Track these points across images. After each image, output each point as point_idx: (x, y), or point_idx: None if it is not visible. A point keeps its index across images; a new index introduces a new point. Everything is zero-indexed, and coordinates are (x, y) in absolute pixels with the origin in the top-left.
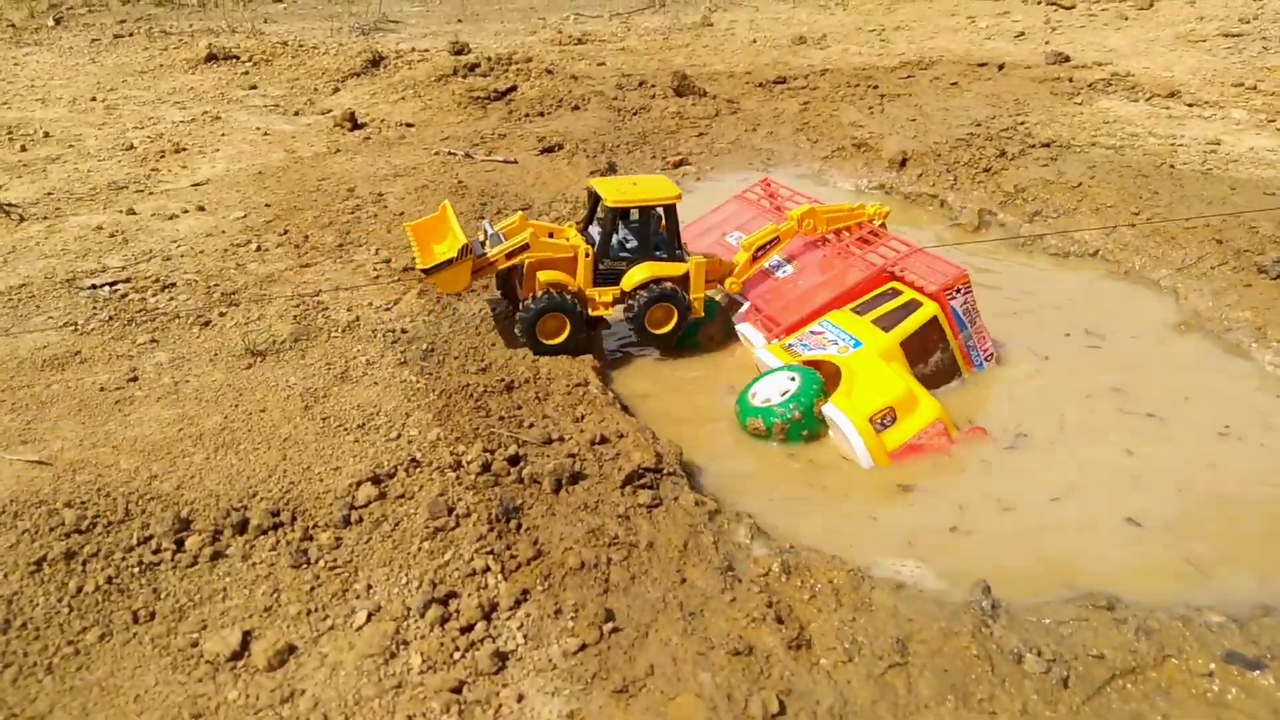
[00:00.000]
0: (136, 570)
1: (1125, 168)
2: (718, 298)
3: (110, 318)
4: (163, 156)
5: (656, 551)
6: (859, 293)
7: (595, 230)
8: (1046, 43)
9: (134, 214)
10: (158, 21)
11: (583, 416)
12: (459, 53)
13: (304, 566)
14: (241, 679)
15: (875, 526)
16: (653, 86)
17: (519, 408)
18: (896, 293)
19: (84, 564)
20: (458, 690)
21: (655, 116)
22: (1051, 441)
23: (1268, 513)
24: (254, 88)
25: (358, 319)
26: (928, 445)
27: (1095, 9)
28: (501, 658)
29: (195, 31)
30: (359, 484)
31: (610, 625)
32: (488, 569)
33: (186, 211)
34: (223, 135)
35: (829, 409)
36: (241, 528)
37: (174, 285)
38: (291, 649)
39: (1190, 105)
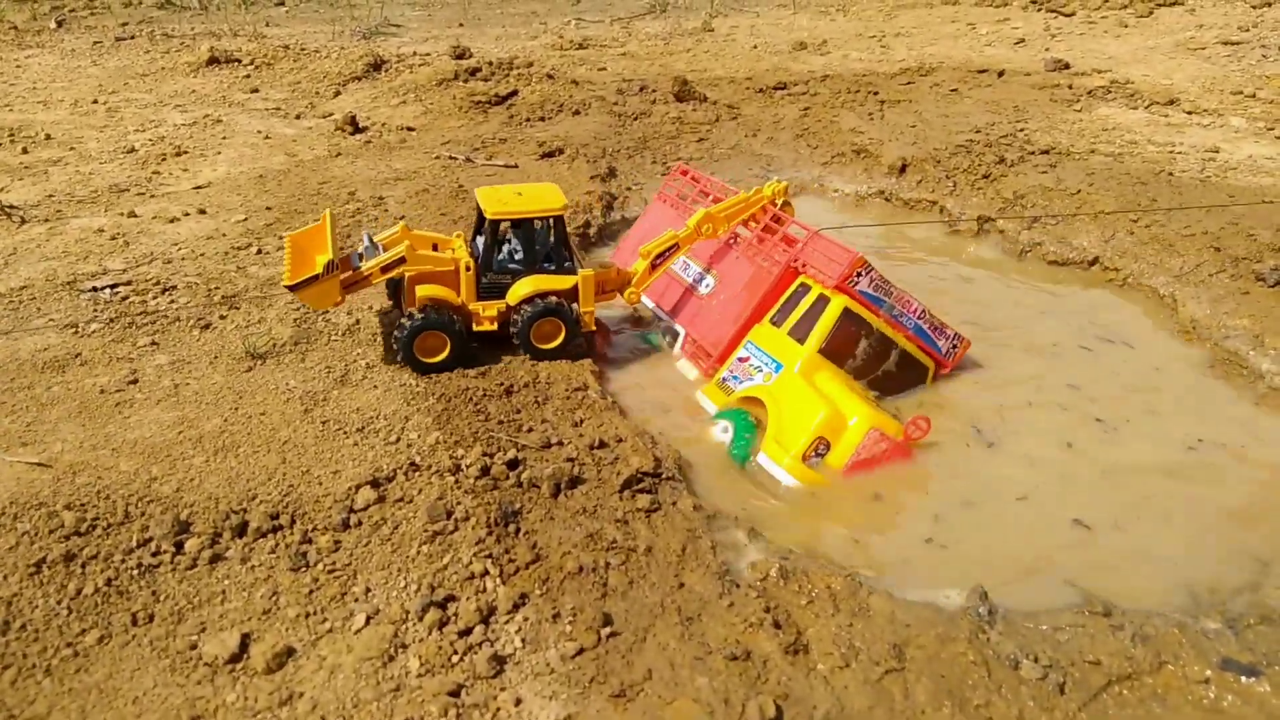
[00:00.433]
0: (136, 572)
1: (1124, 175)
2: (654, 334)
3: (111, 320)
4: (164, 159)
5: (655, 556)
6: (774, 296)
7: (482, 242)
8: (1046, 50)
9: (135, 217)
10: (159, 24)
11: (582, 421)
12: (460, 57)
13: (303, 569)
14: (240, 681)
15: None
16: (653, 92)
17: (518, 412)
18: (806, 289)
19: (83, 566)
20: (456, 693)
21: (656, 121)
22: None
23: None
24: (255, 91)
25: (358, 322)
26: (875, 458)
27: (1095, 16)
28: (499, 661)
29: (197, 35)
30: (358, 487)
31: (608, 629)
32: (486, 573)
33: (187, 214)
34: (224, 138)
35: (762, 459)
36: (241, 530)
37: (174, 288)
38: (290, 651)
39: (1189, 113)
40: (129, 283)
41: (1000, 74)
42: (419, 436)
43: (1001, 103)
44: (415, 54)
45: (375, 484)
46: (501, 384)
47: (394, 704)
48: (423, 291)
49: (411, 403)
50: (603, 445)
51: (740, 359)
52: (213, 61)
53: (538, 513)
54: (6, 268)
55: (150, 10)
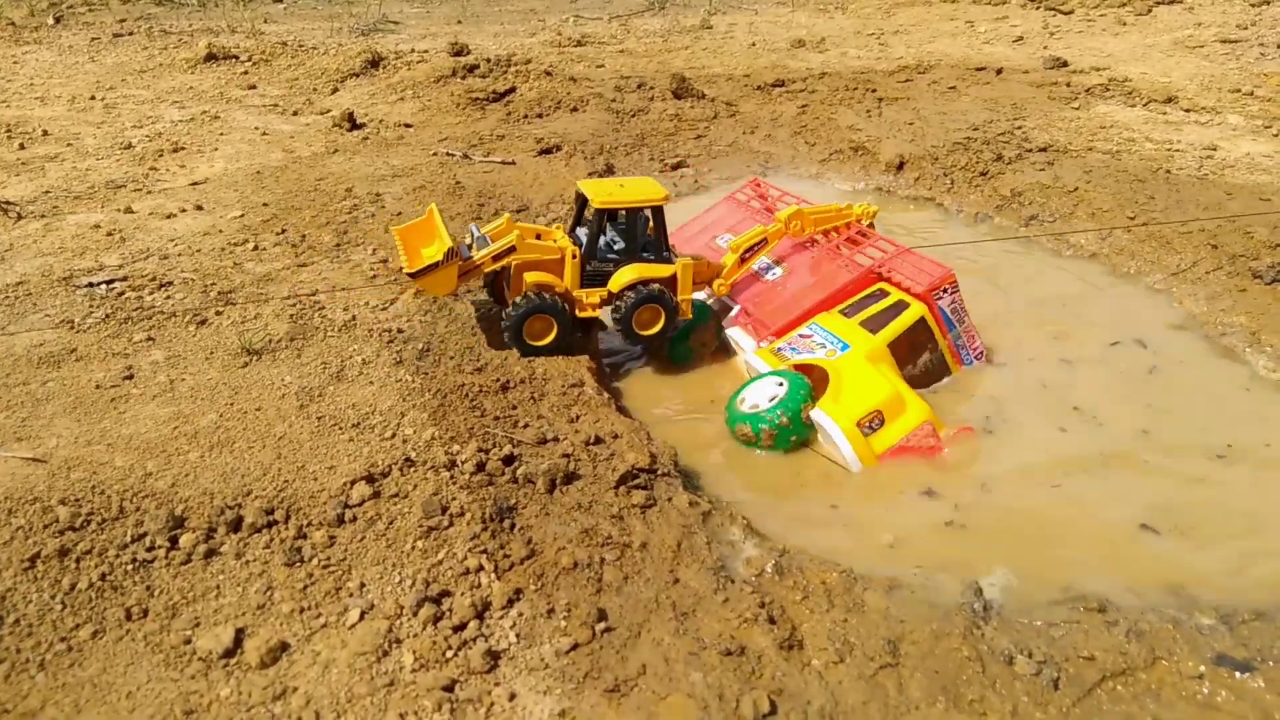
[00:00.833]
0: (130, 568)
1: (1122, 172)
2: (709, 301)
3: (107, 316)
4: (161, 156)
5: (650, 552)
6: (847, 294)
7: (583, 232)
8: (1044, 47)
9: (132, 213)
10: (157, 21)
11: (578, 417)
12: (458, 54)
13: (297, 565)
14: (234, 676)
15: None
16: (651, 89)
17: (514, 408)
18: (884, 294)
19: (78, 561)
20: (450, 689)
21: (654, 119)
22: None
23: None
24: (253, 87)
25: (354, 318)
26: (916, 447)
27: (1093, 14)
28: (494, 656)
29: (195, 31)
30: (353, 483)
31: (603, 625)
32: (481, 568)
33: (184, 210)
34: (221, 135)
35: (816, 414)
36: (235, 526)
37: (171, 284)
38: (284, 647)
39: (1187, 111)
40: (125, 279)
41: (998, 72)
42: (414, 432)
43: (999, 100)
44: (413, 51)
45: (370, 479)
46: (498, 380)
47: (388, 699)
48: (530, 278)
49: (407, 399)
50: (599, 441)
51: (802, 335)
52: (210, 58)
53: (533, 508)
54: (2, 263)
55: (148, 7)
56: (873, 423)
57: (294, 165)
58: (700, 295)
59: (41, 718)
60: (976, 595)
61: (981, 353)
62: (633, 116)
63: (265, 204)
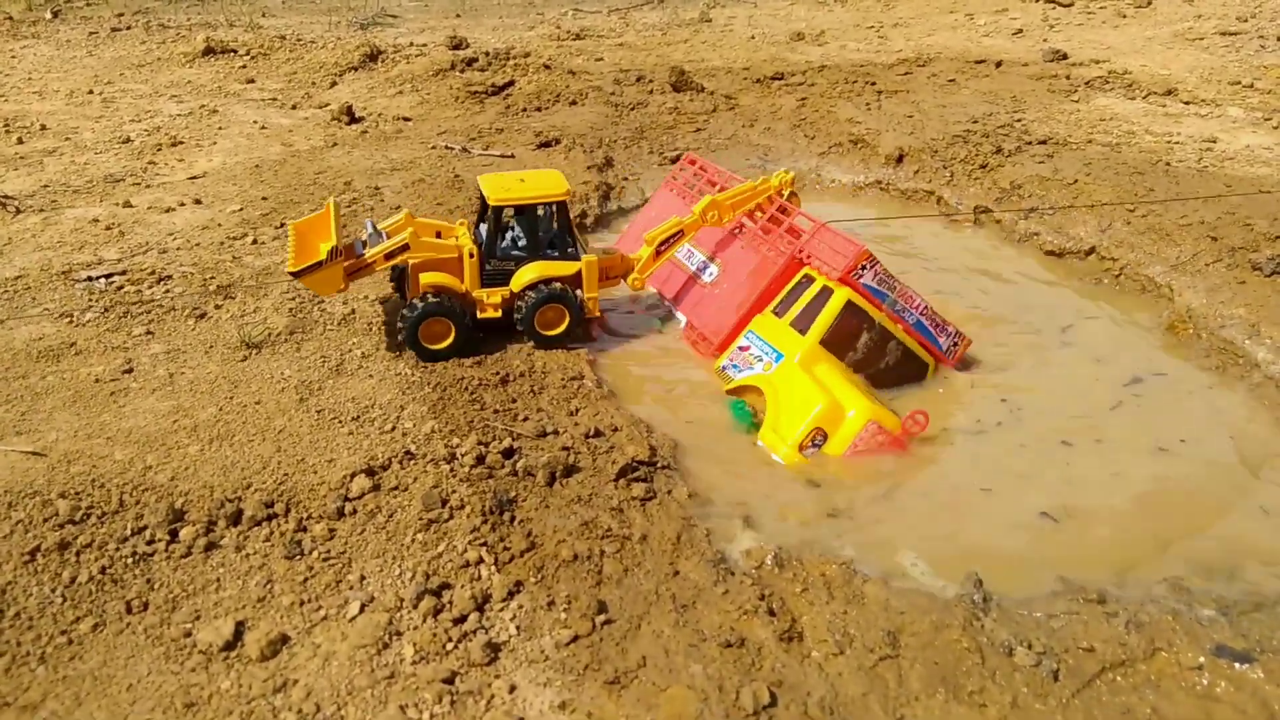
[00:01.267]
0: (130, 561)
1: (1121, 165)
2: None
3: (106, 310)
4: (159, 150)
5: (649, 544)
6: (778, 287)
7: (485, 229)
8: (1044, 40)
9: (130, 207)
10: (155, 15)
11: (577, 410)
12: (457, 47)
13: (298, 557)
14: (234, 669)
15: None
16: (650, 82)
17: (514, 401)
18: (810, 280)
19: (78, 554)
20: (450, 680)
21: (653, 112)
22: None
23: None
24: (251, 82)
25: (353, 312)
26: (869, 449)
27: (1093, 7)
28: (494, 649)
29: (193, 25)
30: (353, 476)
31: (603, 617)
32: (481, 561)
33: (183, 204)
34: (220, 129)
35: (760, 446)
36: (235, 519)
37: (170, 278)
38: (285, 639)
39: (1187, 103)
40: (124, 272)
41: (998, 64)
42: (414, 425)
43: (999, 93)
44: (412, 44)
45: (370, 472)
46: (497, 373)
47: (388, 691)
48: (426, 279)
49: (407, 392)
50: (598, 434)
51: (741, 347)
52: (209, 52)
53: (533, 501)
54: (2, 258)
55: (146, 1)
56: (815, 440)
57: (293, 159)
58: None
59: (42, 710)
60: (976, 587)
61: (924, 308)
62: (632, 110)
63: (264, 198)
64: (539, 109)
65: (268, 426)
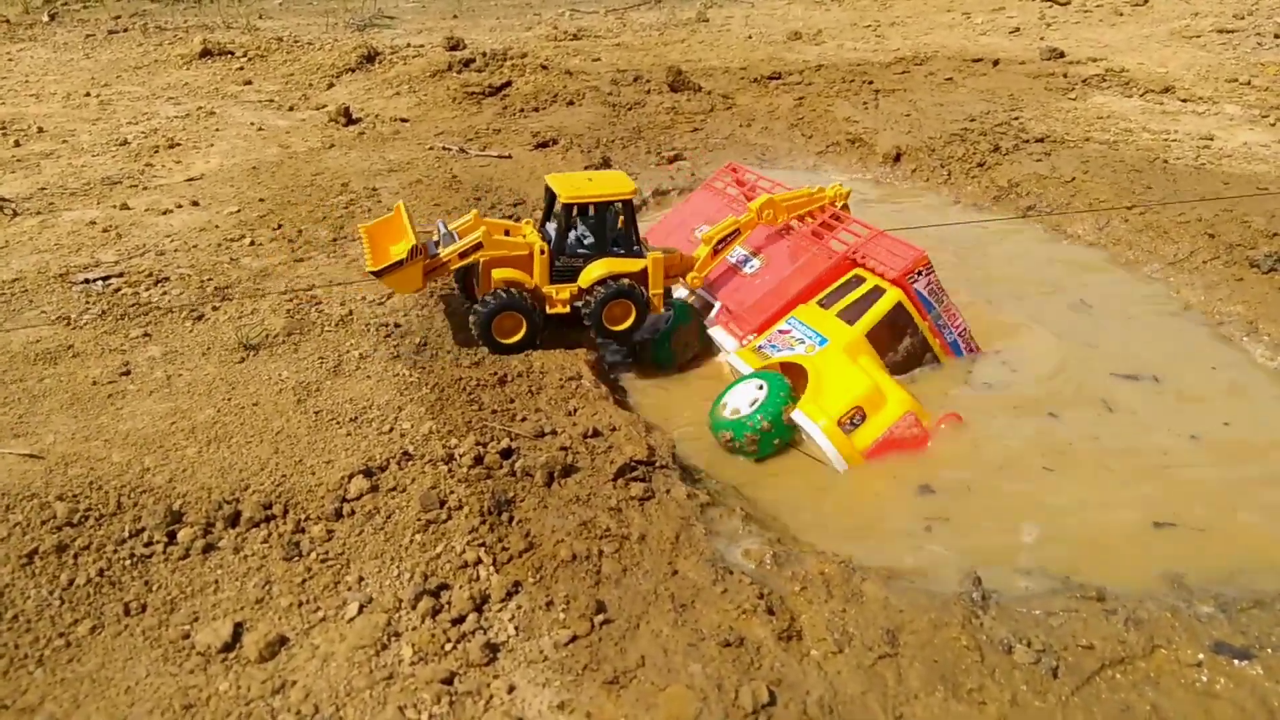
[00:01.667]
0: (128, 563)
1: (1119, 163)
2: (689, 299)
3: (103, 312)
4: (157, 152)
5: (648, 544)
6: (824, 283)
7: (552, 227)
8: (1041, 38)
9: (128, 209)
10: (152, 17)
11: (575, 410)
12: (454, 48)
13: (296, 559)
14: (233, 670)
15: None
16: (648, 82)
17: (512, 401)
18: (860, 280)
19: (75, 557)
20: (449, 681)
21: (650, 112)
22: None
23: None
24: (249, 83)
25: (351, 313)
26: (901, 439)
27: (1090, 4)
28: (493, 649)
29: (190, 27)
30: (351, 477)
31: (601, 617)
32: (479, 561)
33: (180, 206)
34: (217, 130)
35: (797, 415)
36: (233, 520)
37: (167, 279)
38: (283, 640)
39: (1184, 101)
40: (121, 275)
41: (995, 63)
42: (412, 426)
43: (996, 91)
44: (409, 46)
45: (368, 473)
46: (495, 374)
47: (387, 692)
48: (499, 274)
49: (405, 393)
50: (596, 434)
51: (781, 330)
52: (206, 54)
53: (531, 501)
54: None
55: (143, 3)
56: (854, 419)
57: (290, 161)
58: (682, 292)
59: (40, 713)
60: (975, 585)
61: (964, 329)
62: (629, 110)
63: (261, 199)
64: (536, 109)
65: (265, 428)
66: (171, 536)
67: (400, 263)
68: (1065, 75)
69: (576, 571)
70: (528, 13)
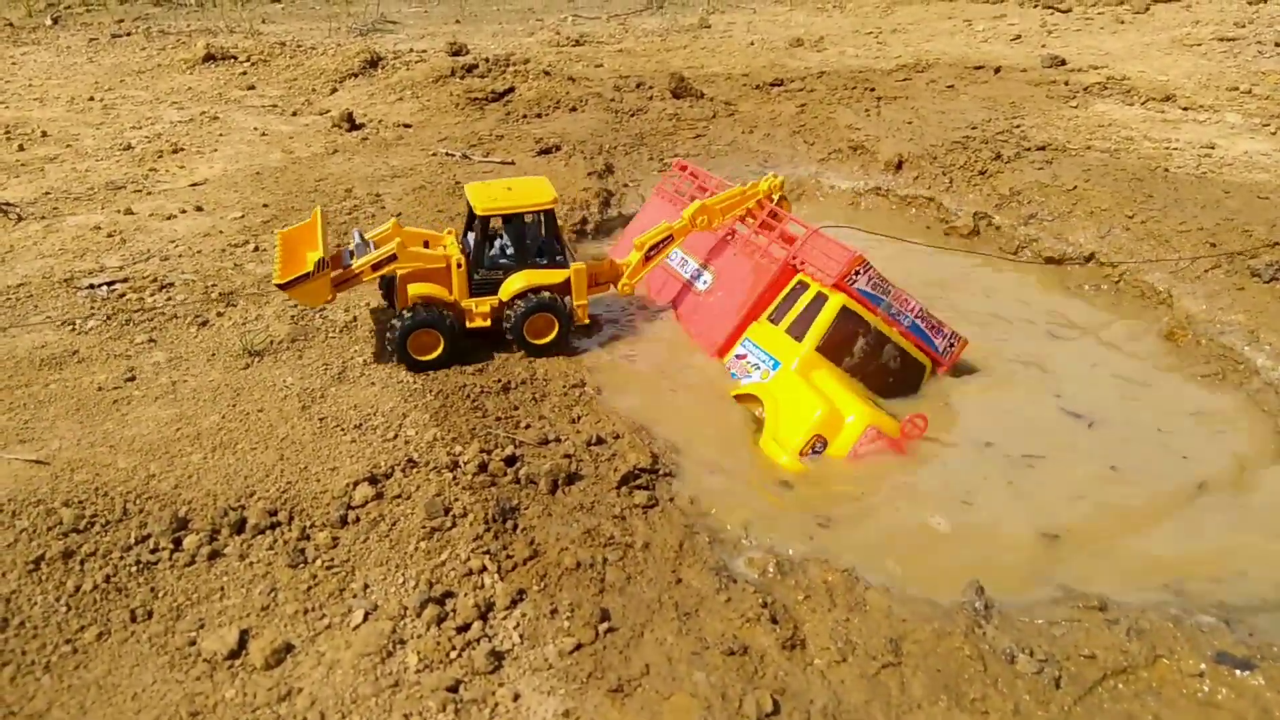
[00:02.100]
0: (134, 569)
1: (1120, 171)
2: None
3: (108, 317)
4: (160, 157)
5: (652, 552)
6: (773, 293)
7: (472, 239)
8: (1043, 46)
9: (132, 214)
10: (155, 21)
11: (579, 417)
12: (457, 54)
13: (301, 566)
14: (239, 677)
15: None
16: (650, 88)
17: (516, 408)
18: (804, 286)
19: (82, 563)
20: (454, 689)
21: (652, 118)
22: None
23: None
24: (252, 88)
25: (355, 319)
26: (867, 454)
27: (1091, 13)
28: (498, 657)
29: (193, 32)
30: (356, 484)
31: (606, 625)
32: (484, 569)
33: (184, 212)
34: (220, 135)
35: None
36: (239, 527)
37: (172, 285)
38: (289, 648)
39: (1185, 109)
40: (126, 280)
41: (997, 70)
42: (417, 433)
43: (998, 99)
44: (412, 51)
45: (373, 481)
46: (499, 381)
47: (392, 700)
48: (414, 289)
49: (409, 400)
50: (600, 441)
51: (738, 356)
52: (209, 58)
53: (535, 509)
54: (3, 265)
55: (146, 7)
56: (815, 447)
57: (293, 166)
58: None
59: (47, 719)
60: (978, 594)
61: (919, 310)
62: (631, 116)
63: (265, 205)
64: (539, 115)
65: (270, 434)
66: (177, 543)
67: (307, 275)
68: (1066, 83)
69: (581, 579)
70: (530, 18)
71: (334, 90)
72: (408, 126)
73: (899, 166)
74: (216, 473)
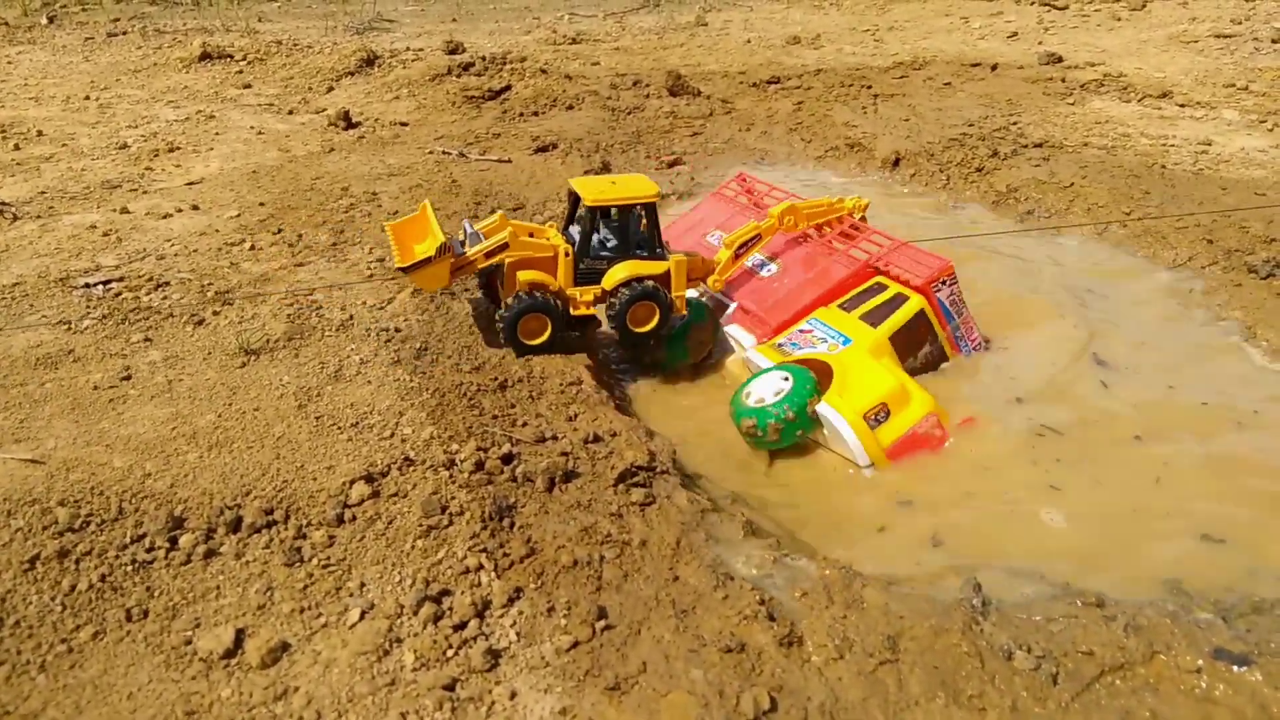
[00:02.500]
0: (130, 568)
1: (1117, 168)
2: (703, 298)
3: (104, 316)
4: (157, 155)
5: (649, 549)
6: (845, 289)
7: (575, 230)
8: (1039, 43)
9: (128, 213)
10: (152, 20)
11: (576, 415)
12: (453, 52)
13: (297, 564)
14: (235, 677)
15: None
16: (647, 86)
17: (512, 406)
18: (883, 287)
19: (77, 562)
20: (451, 688)
21: (649, 116)
22: None
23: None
24: (248, 87)
25: (351, 318)
26: (923, 438)
27: (1088, 9)
28: (494, 655)
29: (189, 30)
30: (352, 482)
31: (603, 623)
32: (481, 567)
33: (180, 210)
34: (217, 134)
35: (822, 408)
36: (235, 526)
37: (168, 284)
38: (285, 647)
39: (1182, 106)
40: (122, 279)
41: (993, 67)
42: (413, 432)
43: (995, 96)
44: (408, 49)
45: (369, 479)
46: (496, 379)
47: (389, 698)
48: (524, 276)
49: (406, 398)
50: (597, 439)
51: (802, 330)
52: (205, 57)
53: (532, 507)
54: None
55: (142, 6)
56: (879, 415)
57: (290, 164)
58: (692, 293)
59: (43, 719)
60: (975, 591)
61: (979, 343)
62: (628, 114)
63: (261, 203)
64: (536, 113)
65: (266, 433)
66: (173, 542)
67: (428, 260)
68: (1063, 80)
69: (578, 577)
70: (526, 16)
71: (330, 89)
72: (404, 125)
73: (896, 164)
74: (212, 471)
